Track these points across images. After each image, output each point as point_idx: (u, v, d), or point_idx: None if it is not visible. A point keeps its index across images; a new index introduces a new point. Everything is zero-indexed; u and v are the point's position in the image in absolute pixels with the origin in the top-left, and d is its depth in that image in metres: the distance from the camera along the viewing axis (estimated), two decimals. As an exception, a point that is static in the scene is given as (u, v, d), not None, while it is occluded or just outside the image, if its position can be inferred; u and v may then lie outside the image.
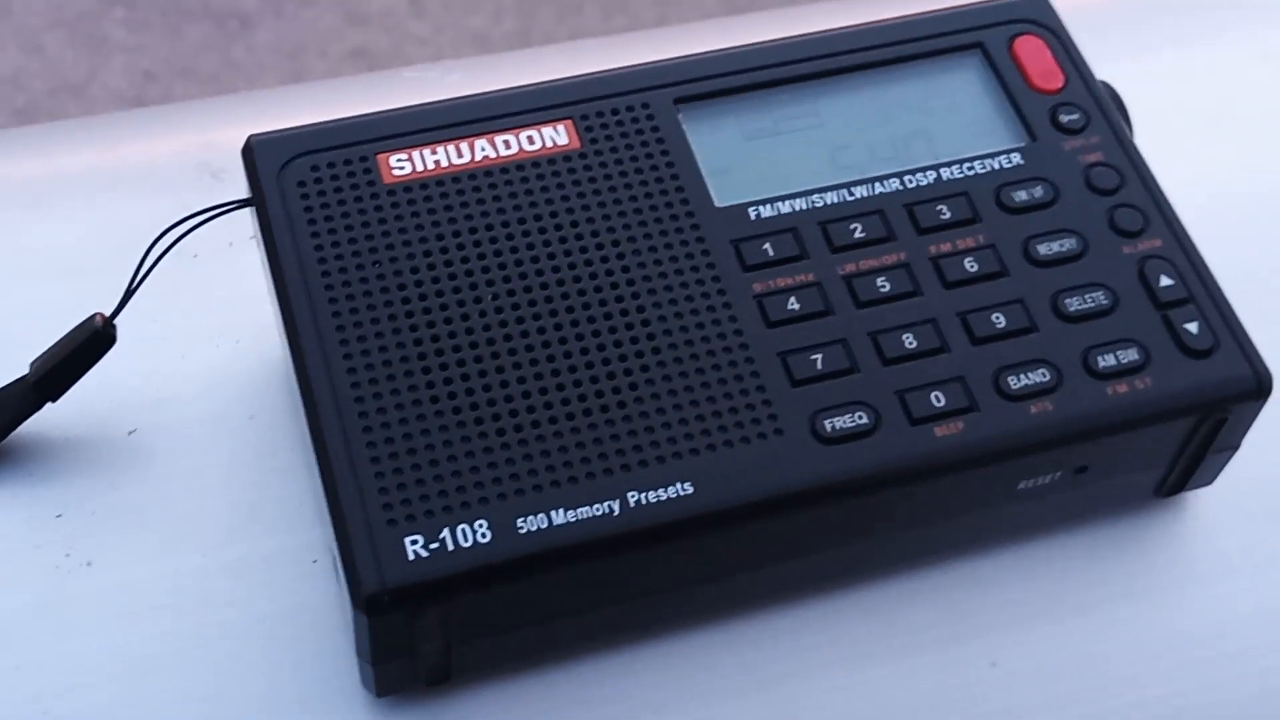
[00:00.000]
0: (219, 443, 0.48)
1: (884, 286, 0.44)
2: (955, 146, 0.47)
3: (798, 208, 0.45)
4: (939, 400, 0.42)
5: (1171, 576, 0.48)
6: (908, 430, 0.42)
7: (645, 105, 0.46)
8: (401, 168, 0.45)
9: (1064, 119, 0.47)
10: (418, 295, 0.43)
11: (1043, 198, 0.46)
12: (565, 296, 0.43)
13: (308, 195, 0.44)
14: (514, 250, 0.44)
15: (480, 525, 0.39)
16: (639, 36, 0.76)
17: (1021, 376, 0.43)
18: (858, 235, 0.45)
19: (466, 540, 0.39)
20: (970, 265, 0.45)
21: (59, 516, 0.46)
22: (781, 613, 0.46)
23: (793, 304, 0.44)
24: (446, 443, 0.41)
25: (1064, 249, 0.45)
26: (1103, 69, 0.50)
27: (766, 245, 0.45)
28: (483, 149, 0.45)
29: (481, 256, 0.44)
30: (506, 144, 0.46)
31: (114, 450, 0.47)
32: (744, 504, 0.41)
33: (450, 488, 0.40)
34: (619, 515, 0.40)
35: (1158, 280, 0.45)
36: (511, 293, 0.43)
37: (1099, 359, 0.43)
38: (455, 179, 0.45)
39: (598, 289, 0.43)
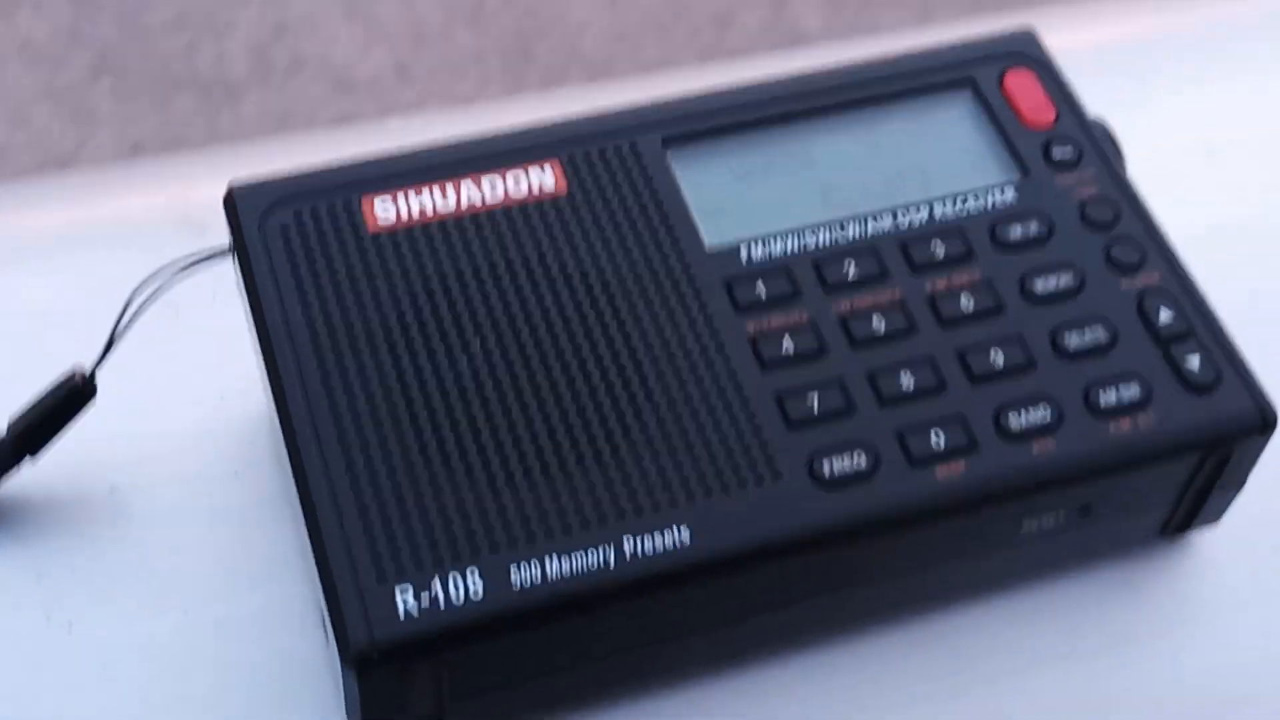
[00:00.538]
0: (202, 500, 0.47)
1: (879, 325, 0.44)
2: (948, 183, 0.46)
3: (790, 247, 0.45)
4: (939, 440, 0.42)
5: (1179, 618, 0.47)
6: (908, 472, 0.41)
7: (634, 146, 0.46)
8: (386, 214, 0.44)
9: (1057, 154, 0.47)
10: (404, 343, 0.42)
11: (1038, 233, 0.45)
12: (555, 342, 0.42)
13: (290, 243, 0.43)
14: (503, 297, 0.43)
15: (472, 578, 0.39)
16: (623, 84, 0.76)
17: (1022, 415, 0.42)
18: (852, 274, 0.44)
19: (458, 594, 0.38)
20: (967, 302, 0.44)
21: (39, 577, 0.45)
22: (781, 663, 0.44)
23: (787, 345, 0.43)
24: (436, 494, 0.40)
25: (1061, 284, 0.45)
26: (1094, 107, 0.49)
27: (759, 286, 0.44)
28: (469, 193, 0.45)
29: (469, 303, 0.43)
30: (493, 185, 0.45)
31: (95, 509, 0.46)
32: (743, 550, 0.40)
33: (441, 540, 0.39)
34: (615, 564, 0.39)
35: (1157, 314, 0.44)
36: (500, 339, 0.42)
37: (1100, 396, 0.43)
38: (441, 225, 0.44)
39: (588, 334, 0.43)
